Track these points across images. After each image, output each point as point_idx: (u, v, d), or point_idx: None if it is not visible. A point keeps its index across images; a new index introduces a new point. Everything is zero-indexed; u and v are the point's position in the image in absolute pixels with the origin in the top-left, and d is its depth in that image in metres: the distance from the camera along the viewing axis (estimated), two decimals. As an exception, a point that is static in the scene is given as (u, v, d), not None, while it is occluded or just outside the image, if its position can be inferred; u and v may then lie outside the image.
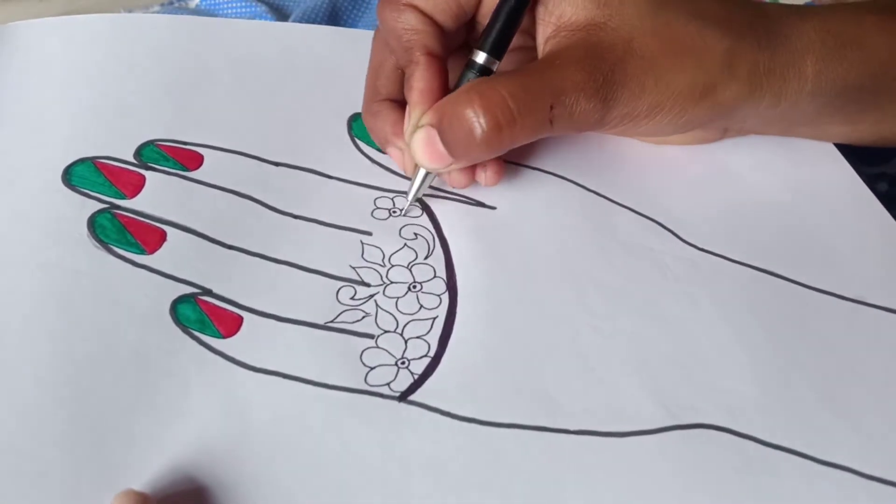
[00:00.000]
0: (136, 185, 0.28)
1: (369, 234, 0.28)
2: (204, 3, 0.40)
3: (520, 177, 0.31)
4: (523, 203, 0.30)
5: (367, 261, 0.27)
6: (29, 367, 0.23)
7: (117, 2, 0.40)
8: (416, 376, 0.24)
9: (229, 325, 0.25)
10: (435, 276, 0.27)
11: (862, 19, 0.29)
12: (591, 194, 0.31)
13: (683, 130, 0.29)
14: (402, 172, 0.30)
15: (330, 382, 0.24)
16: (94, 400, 0.22)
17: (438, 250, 0.28)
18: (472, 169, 0.29)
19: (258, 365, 0.24)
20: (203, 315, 0.25)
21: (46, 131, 0.29)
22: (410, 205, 0.29)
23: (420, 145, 0.26)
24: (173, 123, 0.30)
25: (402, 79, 0.29)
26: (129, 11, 0.39)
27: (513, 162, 0.31)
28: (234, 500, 0.21)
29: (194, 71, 0.33)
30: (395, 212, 0.29)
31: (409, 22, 0.27)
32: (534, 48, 0.28)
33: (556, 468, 0.23)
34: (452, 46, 0.29)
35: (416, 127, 0.26)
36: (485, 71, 0.27)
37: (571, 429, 0.23)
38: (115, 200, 0.27)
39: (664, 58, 0.26)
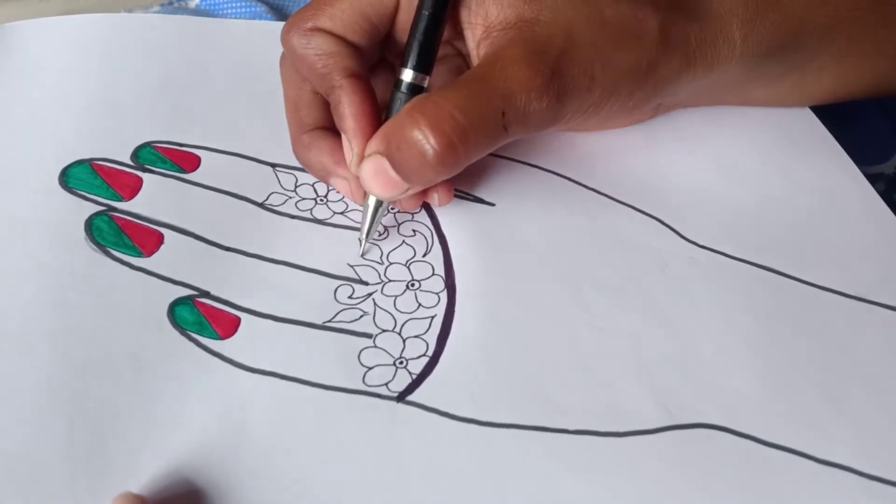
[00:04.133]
0: (133, 188, 0.28)
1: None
2: (204, 3, 0.40)
3: (519, 174, 0.31)
4: (523, 200, 0.29)
5: (365, 259, 0.27)
6: (27, 370, 0.23)
7: (118, 2, 0.40)
8: (414, 376, 0.24)
9: (227, 326, 0.25)
10: (433, 274, 0.27)
11: None
12: (591, 192, 0.30)
13: (631, 115, 0.29)
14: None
15: (328, 383, 0.24)
16: (92, 403, 0.23)
17: (437, 247, 0.28)
18: (424, 191, 0.27)
19: (256, 366, 0.24)
20: (201, 317, 0.25)
21: (43, 132, 0.29)
22: (366, 242, 0.27)
23: (371, 175, 0.25)
24: (170, 125, 0.30)
25: (324, 105, 0.28)
26: (129, 11, 0.39)
27: (512, 159, 0.31)
28: (232, 501, 0.21)
29: (191, 72, 0.33)
30: (393, 208, 0.29)
31: (320, 47, 0.26)
32: (459, 55, 0.27)
33: (555, 468, 0.22)
34: (370, 64, 0.27)
35: (362, 157, 0.25)
36: (415, 89, 0.25)
37: (570, 428, 0.23)
38: (112, 203, 0.27)
39: (605, 43, 0.26)
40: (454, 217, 0.29)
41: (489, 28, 0.25)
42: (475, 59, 0.26)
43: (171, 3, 0.40)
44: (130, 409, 0.23)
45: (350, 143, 0.26)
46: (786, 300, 0.27)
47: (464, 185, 0.30)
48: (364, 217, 0.27)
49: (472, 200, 0.29)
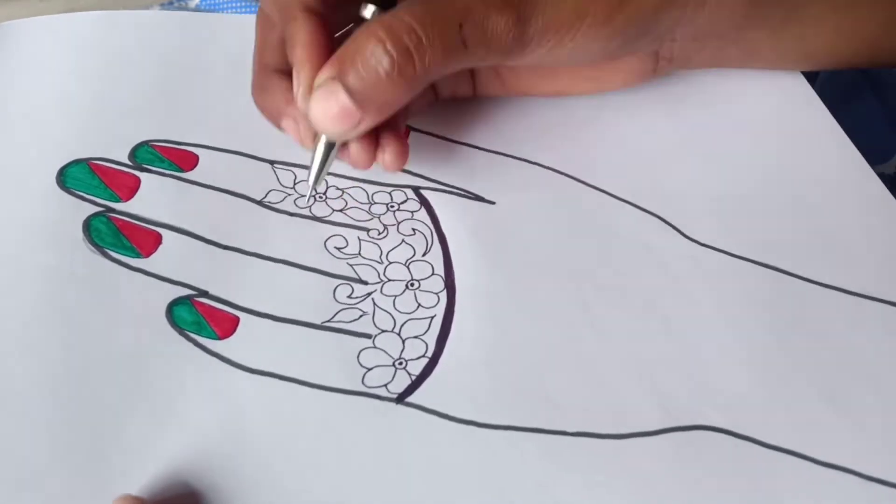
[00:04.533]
0: (131, 188, 0.28)
1: (366, 230, 0.28)
2: (204, 3, 0.39)
3: (519, 172, 0.30)
4: (523, 199, 0.29)
5: (364, 258, 0.27)
6: (25, 370, 0.23)
7: (117, 2, 0.40)
8: (413, 377, 0.24)
9: (225, 326, 0.25)
10: (433, 274, 0.27)
11: None
12: (592, 189, 0.30)
13: (613, 52, 0.27)
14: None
15: (327, 384, 0.24)
16: (91, 403, 0.23)
17: (437, 247, 0.28)
18: (373, 146, 0.26)
19: (255, 366, 0.24)
20: (199, 317, 0.25)
21: (41, 131, 0.29)
22: (314, 187, 0.26)
23: (320, 105, 0.23)
24: (168, 123, 0.30)
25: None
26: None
27: (512, 157, 0.31)
28: (231, 502, 0.21)
29: (188, 69, 0.32)
30: (392, 206, 0.29)
31: None
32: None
33: (554, 470, 0.22)
34: (333, 8, 0.26)
35: (310, 88, 0.24)
36: None
37: (570, 430, 0.23)
38: (109, 203, 0.27)
39: None
40: (454, 216, 0.28)
41: None
42: None
43: (170, 3, 0.39)
44: (129, 410, 0.23)
45: (298, 74, 0.24)
46: (788, 299, 0.27)
47: (464, 184, 0.29)
48: (312, 160, 0.25)
49: (471, 199, 0.29)
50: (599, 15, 0.25)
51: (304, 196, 0.26)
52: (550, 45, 0.25)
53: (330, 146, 0.25)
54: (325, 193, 0.29)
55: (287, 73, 0.26)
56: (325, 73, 0.23)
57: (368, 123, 0.24)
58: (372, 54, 0.23)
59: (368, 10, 0.25)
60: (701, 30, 0.29)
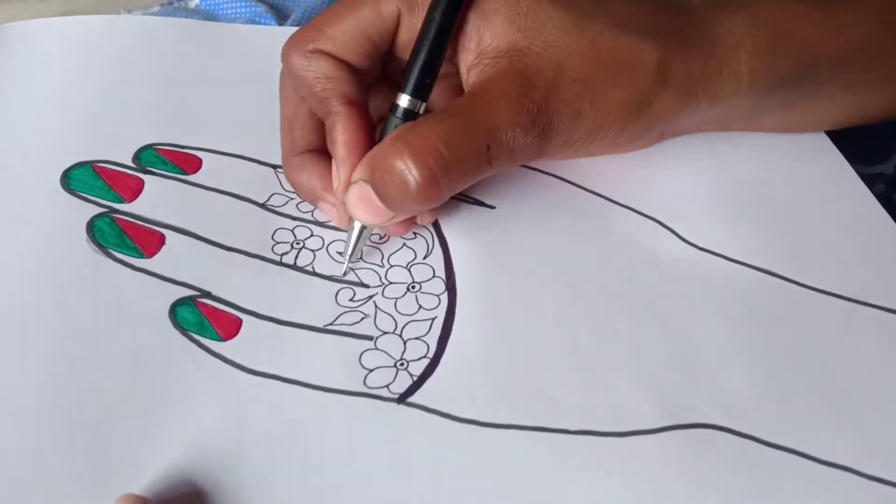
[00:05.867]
0: (135, 190, 0.28)
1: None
2: (204, 3, 0.40)
3: (519, 177, 0.31)
4: (523, 203, 0.30)
5: (365, 261, 0.27)
6: (29, 370, 0.23)
7: (117, 1, 0.40)
8: (415, 378, 0.24)
9: (228, 327, 0.25)
10: (434, 276, 0.27)
11: (789, 10, 0.28)
12: (590, 195, 0.30)
13: (623, 146, 0.28)
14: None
15: (329, 385, 0.24)
16: (94, 403, 0.23)
17: (437, 250, 0.28)
18: (412, 217, 0.27)
19: (257, 368, 0.24)
20: (202, 318, 0.25)
21: (45, 133, 0.29)
22: (348, 265, 0.27)
23: (356, 202, 0.24)
24: (172, 127, 0.30)
25: (319, 127, 0.27)
26: (129, 11, 0.39)
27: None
28: (233, 502, 0.21)
29: (193, 74, 0.33)
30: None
31: (320, 70, 0.25)
32: (458, 74, 0.27)
33: (556, 468, 0.23)
34: (371, 82, 0.27)
35: (348, 184, 0.25)
36: (410, 114, 0.25)
37: (571, 429, 0.23)
38: (113, 205, 0.27)
39: (596, 78, 0.25)
40: (455, 220, 0.29)
41: (481, 55, 0.25)
42: (465, 85, 0.26)
43: (170, 3, 0.40)
44: (132, 410, 0.23)
45: (338, 169, 0.26)
46: (784, 302, 0.27)
47: (465, 189, 0.30)
48: (348, 240, 0.26)
49: (472, 203, 0.30)
50: (614, 128, 0.26)
51: (342, 275, 0.27)
52: (567, 155, 0.27)
53: (364, 227, 0.26)
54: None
55: (321, 152, 0.27)
56: (358, 174, 0.24)
57: (400, 218, 0.25)
58: (398, 173, 0.23)
59: (404, 100, 0.25)
60: (710, 120, 0.30)
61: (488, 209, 0.29)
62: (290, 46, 0.26)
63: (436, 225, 0.29)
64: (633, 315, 0.26)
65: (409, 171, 0.23)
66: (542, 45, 0.25)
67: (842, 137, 0.33)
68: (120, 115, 0.30)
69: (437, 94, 0.28)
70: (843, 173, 0.32)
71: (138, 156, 0.29)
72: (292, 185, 0.28)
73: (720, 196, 0.30)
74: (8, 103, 0.30)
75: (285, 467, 0.22)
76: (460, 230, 0.28)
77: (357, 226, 0.26)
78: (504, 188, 0.30)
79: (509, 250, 0.28)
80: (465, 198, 0.30)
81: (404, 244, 0.28)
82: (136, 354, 0.24)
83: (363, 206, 0.24)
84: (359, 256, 0.27)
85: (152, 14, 0.39)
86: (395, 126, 0.25)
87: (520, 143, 0.24)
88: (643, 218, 0.30)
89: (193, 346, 0.24)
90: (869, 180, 0.31)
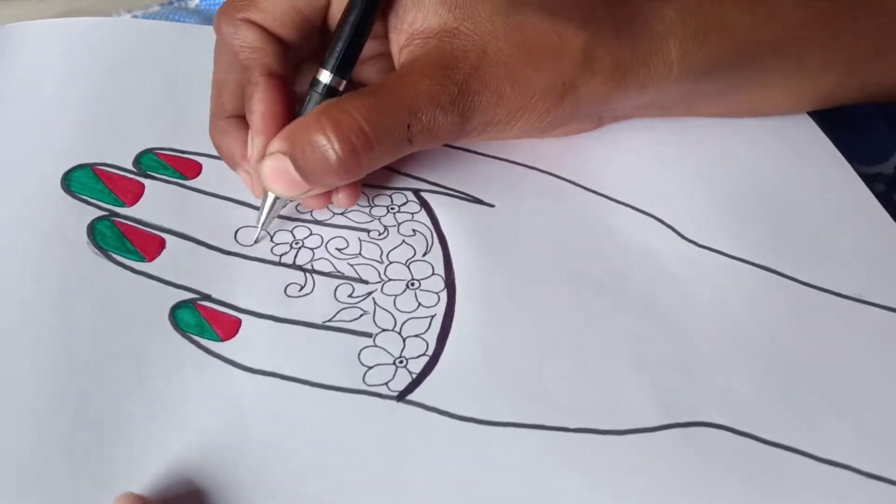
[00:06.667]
0: (136, 194, 0.28)
1: (367, 231, 0.28)
2: (204, 2, 0.40)
3: (518, 176, 0.30)
4: (522, 201, 0.29)
5: (365, 258, 0.27)
6: (29, 373, 0.23)
7: (117, 1, 0.40)
8: (414, 375, 0.24)
9: (228, 327, 0.25)
10: (433, 274, 0.27)
11: None
12: (590, 193, 0.30)
13: (552, 129, 0.28)
14: (401, 169, 0.30)
15: (328, 383, 0.24)
16: (94, 405, 0.23)
17: (437, 247, 0.28)
18: (328, 193, 0.27)
19: (256, 367, 0.24)
20: (202, 319, 0.25)
21: (45, 135, 0.30)
22: (261, 234, 0.27)
23: (271, 173, 0.25)
24: (172, 131, 0.31)
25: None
26: (129, 11, 0.39)
27: (511, 161, 0.31)
28: (233, 502, 0.21)
29: (193, 78, 0.33)
30: (392, 208, 0.29)
31: (246, 39, 0.26)
32: (389, 56, 0.27)
33: (555, 466, 0.22)
34: (300, 56, 0.27)
35: (262, 155, 0.25)
36: (331, 91, 0.25)
37: (570, 427, 0.23)
38: (114, 208, 0.28)
39: (519, 61, 0.25)
40: (454, 217, 0.29)
41: (412, 35, 0.26)
42: (396, 65, 0.26)
43: (170, 3, 0.40)
44: (132, 411, 0.23)
45: (253, 139, 0.26)
46: (784, 300, 0.27)
47: (463, 187, 0.30)
48: (261, 209, 0.27)
49: (471, 201, 0.29)
50: (538, 109, 0.26)
51: (255, 239, 0.27)
52: (490, 135, 0.27)
53: (277, 199, 0.26)
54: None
55: (244, 119, 0.27)
56: (275, 145, 0.24)
57: (316, 192, 0.26)
58: (319, 146, 0.24)
59: (325, 76, 0.25)
60: (644, 105, 0.30)
61: (487, 207, 0.29)
62: (222, 13, 0.26)
63: (435, 222, 0.29)
64: (633, 313, 0.26)
65: (330, 145, 0.24)
66: (470, 27, 0.25)
67: (841, 137, 0.32)
68: (120, 118, 0.31)
69: (374, 73, 0.28)
70: (842, 172, 0.31)
71: (139, 160, 0.29)
72: (215, 147, 0.28)
73: (720, 194, 0.30)
74: (8, 104, 0.30)
75: (284, 465, 0.22)
76: (459, 228, 0.28)
77: (270, 196, 0.26)
78: (503, 186, 0.30)
79: (508, 248, 0.28)
80: (463, 195, 0.30)
81: (403, 241, 0.28)
82: (136, 356, 0.24)
83: (279, 177, 0.25)
84: (270, 226, 0.27)
85: (152, 14, 0.39)
86: (315, 101, 0.25)
87: (439, 123, 0.25)
88: (642, 215, 0.29)
89: (193, 346, 0.24)
90: (869, 180, 0.31)
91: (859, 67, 0.31)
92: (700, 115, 0.32)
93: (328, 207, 0.29)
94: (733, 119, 0.33)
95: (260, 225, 0.27)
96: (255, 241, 0.27)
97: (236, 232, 0.28)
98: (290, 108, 0.26)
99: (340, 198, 0.27)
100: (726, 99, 0.31)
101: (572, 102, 0.27)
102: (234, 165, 0.28)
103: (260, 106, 0.25)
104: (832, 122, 0.33)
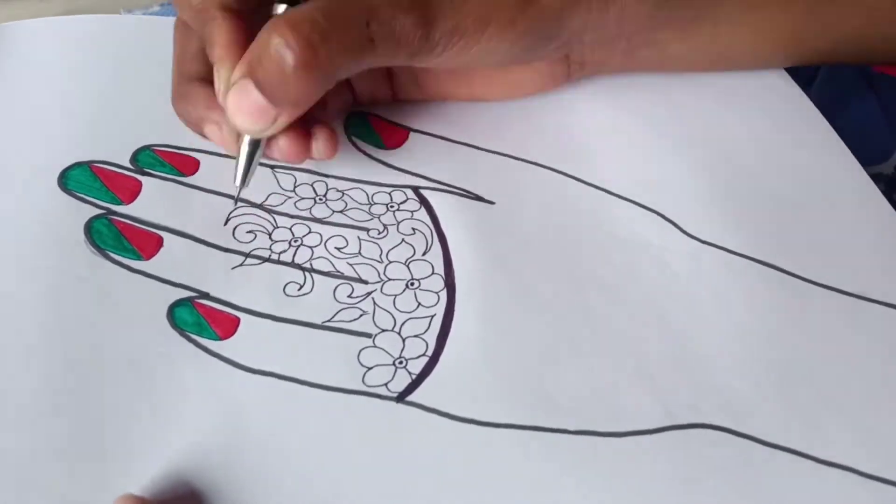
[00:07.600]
0: (133, 192, 0.28)
1: (366, 230, 0.28)
2: (202, 0, 0.40)
3: (518, 172, 0.30)
4: (522, 199, 0.29)
5: (364, 257, 0.27)
6: (26, 371, 0.23)
7: (117, 1, 0.40)
8: (413, 376, 0.24)
9: (226, 326, 0.25)
10: (433, 273, 0.27)
11: None
12: (591, 188, 0.30)
13: (520, 55, 0.28)
14: (401, 166, 0.30)
15: (327, 384, 0.24)
16: (92, 404, 0.23)
17: (437, 246, 0.28)
18: (306, 139, 0.26)
19: (255, 366, 0.24)
20: (200, 318, 0.25)
21: (43, 133, 0.29)
22: (241, 188, 0.26)
23: (236, 103, 0.23)
24: (169, 128, 0.30)
25: (206, 57, 0.26)
26: (129, 11, 0.39)
27: (511, 156, 0.31)
28: (232, 502, 0.21)
29: None
30: (392, 206, 0.29)
31: None
32: None
33: (554, 468, 0.22)
34: (253, 8, 0.26)
35: (229, 86, 0.24)
36: None
37: (570, 428, 0.23)
38: (111, 206, 0.27)
39: None
40: (454, 215, 0.29)
41: None
42: None
43: (170, 3, 0.40)
44: (130, 411, 0.23)
45: (218, 72, 0.24)
46: (787, 297, 0.27)
47: (463, 184, 0.30)
48: (238, 161, 0.25)
49: (471, 198, 0.29)
50: (503, 20, 0.26)
51: (234, 197, 0.26)
52: (457, 48, 0.26)
53: (255, 144, 0.25)
54: (325, 195, 0.29)
55: (208, 80, 0.26)
56: (238, 71, 0.24)
57: (286, 119, 0.24)
58: (276, 49, 0.23)
59: (281, 9, 0.25)
60: (608, 32, 0.29)
61: (487, 205, 0.29)
62: None
63: (434, 220, 0.28)
64: (634, 312, 0.26)
65: (286, 45, 0.22)
66: None
67: (841, 137, 0.32)
68: (118, 116, 0.30)
69: None
70: (849, 168, 0.31)
71: (136, 157, 0.29)
72: (179, 115, 0.27)
73: (722, 189, 0.30)
74: (7, 103, 0.30)
75: (283, 466, 0.22)
76: (459, 226, 0.28)
77: (245, 145, 0.25)
78: (502, 183, 0.30)
79: (509, 246, 0.28)
80: (463, 192, 0.29)
81: (403, 240, 0.28)
82: (134, 356, 0.24)
83: (244, 105, 0.23)
84: (249, 181, 0.26)
85: (152, 13, 0.39)
86: None
87: (401, 23, 0.24)
88: (644, 210, 0.29)
89: (191, 345, 0.24)
90: (868, 181, 0.31)
91: (817, 5, 0.31)
92: (670, 67, 0.32)
93: (328, 206, 0.28)
94: (738, 108, 0.32)
95: (238, 180, 0.25)
96: (237, 198, 0.26)
97: (234, 229, 0.28)
98: (251, 39, 0.25)
99: (319, 145, 0.26)
100: (694, 36, 0.31)
101: (536, 11, 0.26)
102: (199, 124, 0.27)
103: (221, 37, 0.24)
104: (832, 122, 0.33)
